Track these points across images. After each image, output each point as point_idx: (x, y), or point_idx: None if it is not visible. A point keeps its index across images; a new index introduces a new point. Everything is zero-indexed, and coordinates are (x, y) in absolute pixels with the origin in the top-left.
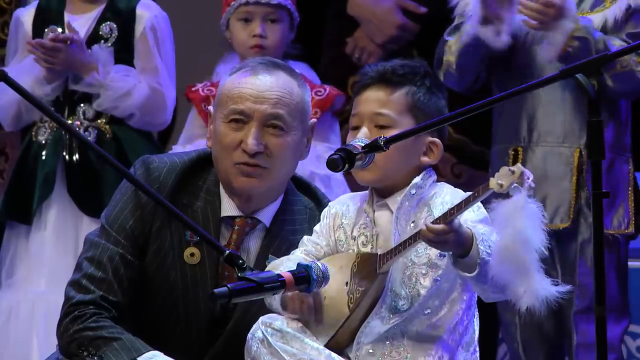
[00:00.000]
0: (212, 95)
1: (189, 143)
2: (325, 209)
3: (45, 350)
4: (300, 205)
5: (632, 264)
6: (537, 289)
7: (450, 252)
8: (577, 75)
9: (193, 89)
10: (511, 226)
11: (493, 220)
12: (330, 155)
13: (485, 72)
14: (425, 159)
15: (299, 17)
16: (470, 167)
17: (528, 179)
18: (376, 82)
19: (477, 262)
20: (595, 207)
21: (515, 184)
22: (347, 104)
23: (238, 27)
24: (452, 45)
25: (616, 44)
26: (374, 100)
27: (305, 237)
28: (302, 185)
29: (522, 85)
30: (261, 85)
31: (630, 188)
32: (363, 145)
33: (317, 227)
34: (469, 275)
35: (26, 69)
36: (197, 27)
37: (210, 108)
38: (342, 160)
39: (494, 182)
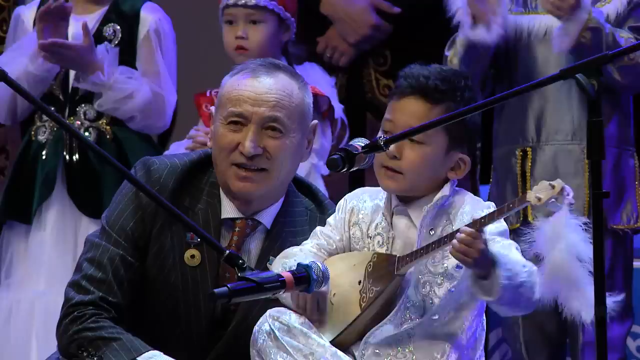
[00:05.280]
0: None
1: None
2: (341, 202)
3: (45, 350)
4: (301, 207)
5: (634, 263)
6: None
7: (470, 273)
8: (577, 75)
9: (205, 92)
10: (557, 243)
11: (538, 239)
12: (330, 155)
13: (491, 79)
14: (452, 174)
15: (291, 17)
16: None
17: (568, 195)
18: (416, 92)
19: (497, 288)
20: (595, 207)
21: (553, 199)
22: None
23: (225, 29)
24: (452, 58)
25: (623, 35)
26: (411, 113)
27: (318, 229)
28: (303, 187)
29: (523, 85)
30: (260, 87)
31: (636, 182)
32: (363, 145)
33: (331, 220)
34: (489, 299)
35: (19, 50)
36: (200, 31)
37: (212, 109)
38: (342, 160)
39: (531, 195)
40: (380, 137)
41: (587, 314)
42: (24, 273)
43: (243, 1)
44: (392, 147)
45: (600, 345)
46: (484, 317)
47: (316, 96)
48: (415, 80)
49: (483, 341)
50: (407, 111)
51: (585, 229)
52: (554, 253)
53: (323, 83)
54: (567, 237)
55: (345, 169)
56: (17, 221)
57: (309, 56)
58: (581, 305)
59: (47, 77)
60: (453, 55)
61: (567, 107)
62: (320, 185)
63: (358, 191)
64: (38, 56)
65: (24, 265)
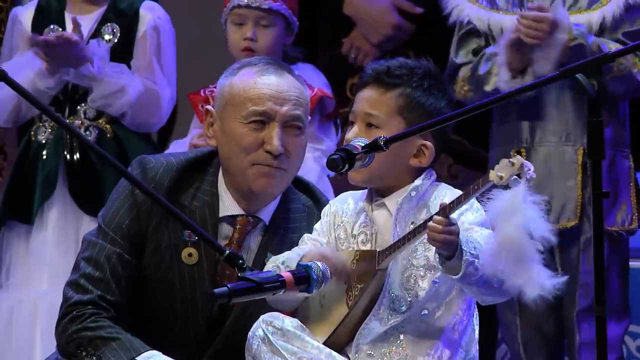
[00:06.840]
0: (212, 97)
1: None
2: (326, 207)
3: (48, 350)
4: (299, 204)
5: (632, 263)
6: (539, 281)
7: (438, 256)
8: (577, 75)
9: (199, 92)
10: (512, 217)
11: (492, 210)
12: (331, 155)
13: None
14: (415, 161)
15: (297, 21)
16: (466, 167)
17: (529, 170)
18: (372, 81)
19: (461, 264)
20: (595, 207)
21: (514, 176)
22: (346, 106)
23: (232, 29)
24: (468, 78)
25: (611, 47)
26: (366, 100)
27: (305, 236)
28: (300, 184)
29: (522, 86)
30: (279, 85)
31: (631, 184)
32: (363, 145)
33: (317, 225)
34: (454, 277)
35: (27, 63)
36: (200, 30)
37: (209, 107)
38: (342, 160)
39: (493, 174)
40: (380, 137)
41: (530, 291)
42: (26, 273)
43: (256, 4)
44: (348, 134)
45: (599, 345)
46: (477, 313)
47: (324, 98)
48: (373, 70)
49: (477, 336)
50: (362, 99)
51: (543, 209)
52: (508, 226)
53: (318, 83)
54: (524, 212)
55: (345, 169)
56: (18, 221)
57: (304, 58)
58: (525, 282)
59: (52, 93)
60: (469, 75)
61: (562, 109)
62: (327, 187)
63: (343, 195)
64: (47, 75)
65: (25, 265)
